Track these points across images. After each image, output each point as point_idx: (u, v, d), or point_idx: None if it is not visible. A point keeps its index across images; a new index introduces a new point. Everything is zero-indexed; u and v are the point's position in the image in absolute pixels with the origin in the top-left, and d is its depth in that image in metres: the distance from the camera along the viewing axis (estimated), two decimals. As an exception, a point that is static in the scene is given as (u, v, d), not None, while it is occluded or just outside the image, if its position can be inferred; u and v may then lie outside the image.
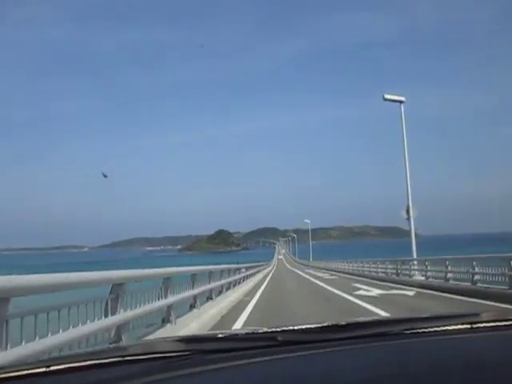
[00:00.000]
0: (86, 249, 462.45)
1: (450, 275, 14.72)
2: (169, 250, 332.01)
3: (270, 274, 35.83)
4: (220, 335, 1.16)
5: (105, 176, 6.35)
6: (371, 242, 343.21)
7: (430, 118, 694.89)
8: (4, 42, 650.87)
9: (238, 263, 23.99)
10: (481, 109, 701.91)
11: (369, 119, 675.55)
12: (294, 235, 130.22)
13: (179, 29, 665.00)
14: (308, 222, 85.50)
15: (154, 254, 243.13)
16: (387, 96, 20.78)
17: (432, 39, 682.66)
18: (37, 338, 3.28)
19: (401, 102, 20.95)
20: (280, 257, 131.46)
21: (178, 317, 7.34)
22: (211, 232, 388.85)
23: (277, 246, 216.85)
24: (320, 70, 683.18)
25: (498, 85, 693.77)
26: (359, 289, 15.99)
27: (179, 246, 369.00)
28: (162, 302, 6.53)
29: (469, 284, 13.05)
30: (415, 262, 18.79)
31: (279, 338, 1.05)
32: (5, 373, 0.91)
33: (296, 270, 45.05)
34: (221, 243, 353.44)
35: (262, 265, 41.62)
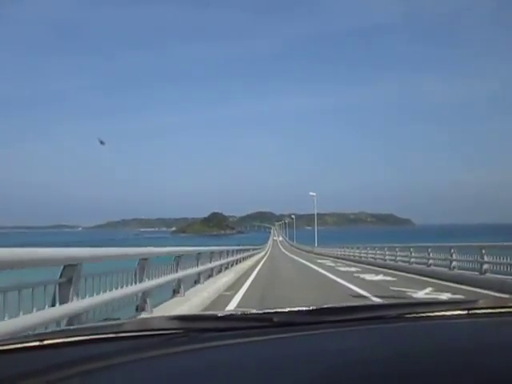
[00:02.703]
0: (80, 228, 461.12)
1: None
2: (162, 232, 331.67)
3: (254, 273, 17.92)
4: (216, 314, 1.15)
5: (102, 143, 5.80)
6: (367, 229, 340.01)
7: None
8: (4, 20, 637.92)
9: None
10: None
11: (367, 107, 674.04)
12: (293, 217, 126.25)
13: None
14: (314, 194, 71.82)
15: (145, 235, 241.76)
16: None
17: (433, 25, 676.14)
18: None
19: None
20: (275, 238, 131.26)
21: (157, 304, 6.37)
22: (206, 215, 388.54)
23: (272, 231, 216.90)
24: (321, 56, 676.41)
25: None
26: None
27: (173, 228, 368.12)
28: (136, 288, 5.53)
29: None
30: None
31: (275, 319, 1.03)
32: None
33: (305, 262, 28.23)
34: (215, 226, 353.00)
35: (249, 249, 30.59)
